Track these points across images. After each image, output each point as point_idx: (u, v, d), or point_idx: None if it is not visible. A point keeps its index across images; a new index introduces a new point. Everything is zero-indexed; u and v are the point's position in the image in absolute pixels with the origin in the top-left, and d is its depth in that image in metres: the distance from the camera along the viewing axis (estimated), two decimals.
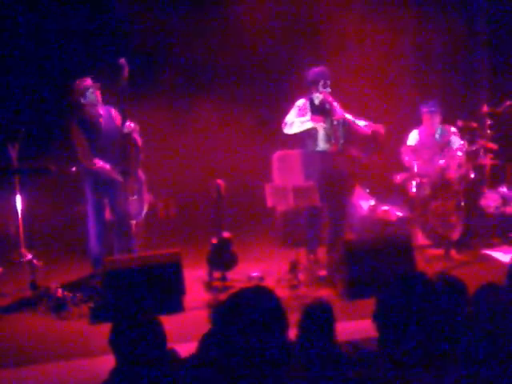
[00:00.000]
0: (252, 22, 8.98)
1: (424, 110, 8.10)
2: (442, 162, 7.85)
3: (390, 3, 9.42)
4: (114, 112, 6.86)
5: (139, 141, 6.84)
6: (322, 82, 7.16)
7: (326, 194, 7.02)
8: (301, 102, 7.28)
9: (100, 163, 6.69)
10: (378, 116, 7.50)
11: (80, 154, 6.76)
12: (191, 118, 9.19)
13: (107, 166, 6.69)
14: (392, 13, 9.28)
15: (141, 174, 6.94)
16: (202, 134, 9.19)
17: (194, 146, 9.15)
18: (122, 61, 6.58)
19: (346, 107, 7.27)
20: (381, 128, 7.14)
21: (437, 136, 8.13)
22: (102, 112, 6.81)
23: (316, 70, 7.26)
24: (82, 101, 6.71)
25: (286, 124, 7.22)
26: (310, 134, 7.20)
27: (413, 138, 8.19)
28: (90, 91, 6.70)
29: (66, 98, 7.01)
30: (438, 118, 8.10)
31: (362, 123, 7.21)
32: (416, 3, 9.90)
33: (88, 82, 6.71)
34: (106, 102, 6.87)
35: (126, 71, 6.56)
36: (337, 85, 7.37)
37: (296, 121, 7.17)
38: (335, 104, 7.14)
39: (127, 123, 6.66)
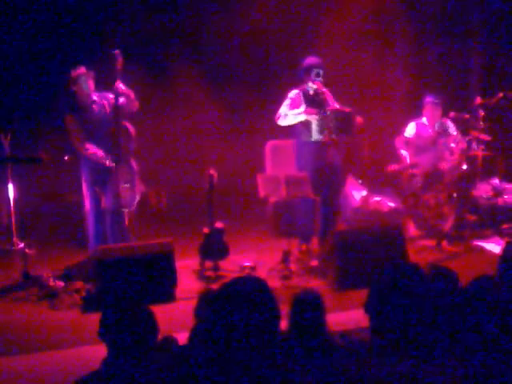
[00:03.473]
0: (248, 15, 8.98)
1: (429, 99, 8.17)
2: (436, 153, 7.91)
3: None
4: (110, 98, 6.80)
5: (131, 129, 6.82)
6: (314, 71, 7.14)
7: (318, 184, 7.01)
8: (294, 92, 7.27)
9: (92, 149, 6.68)
10: (372, 108, 7.50)
11: (73, 140, 6.75)
12: (184, 108, 9.17)
13: (100, 152, 6.68)
14: (385, 5, 9.28)
15: (133, 163, 6.91)
16: (195, 124, 9.17)
17: (187, 136, 9.13)
18: (116, 52, 6.57)
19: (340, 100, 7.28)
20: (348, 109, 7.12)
21: (436, 127, 8.18)
22: (95, 99, 6.79)
23: (309, 59, 7.25)
24: (74, 88, 6.71)
25: (279, 116, 7.20)
26: (305, 125, 7.19)
27: (410, 129, 8.23)
28: (83, 79, 6.69)
29: (60, 86, 6.96)
30: (439, 111, 8.16)
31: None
32: None
33: (82, 70, 6.70)
34: (101, 89, 6.86)
35: (119, 62, 6.56)
36: (331, 78, 7.37)
37: (289, 113, 7.16)
38: (327, 94, 7.14)
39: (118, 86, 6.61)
